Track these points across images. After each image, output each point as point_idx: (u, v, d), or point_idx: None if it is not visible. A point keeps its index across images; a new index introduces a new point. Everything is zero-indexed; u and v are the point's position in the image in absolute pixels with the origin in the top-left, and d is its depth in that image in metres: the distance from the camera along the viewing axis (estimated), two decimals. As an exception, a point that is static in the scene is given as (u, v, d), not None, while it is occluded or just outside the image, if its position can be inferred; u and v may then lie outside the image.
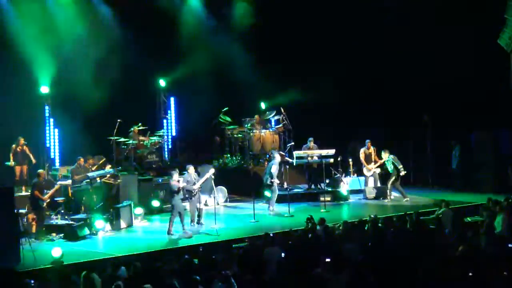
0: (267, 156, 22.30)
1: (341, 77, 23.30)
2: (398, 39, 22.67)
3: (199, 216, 17.89)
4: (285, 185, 21.62)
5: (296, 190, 21.78)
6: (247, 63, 23.37)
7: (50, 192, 17.53)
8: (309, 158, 21.34)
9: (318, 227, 14.87)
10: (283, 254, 12.82)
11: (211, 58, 23.66)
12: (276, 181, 19.26)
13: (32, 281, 12.33)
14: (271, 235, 14.17)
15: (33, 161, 20.28)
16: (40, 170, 18.38)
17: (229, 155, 23.37)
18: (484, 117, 22.00)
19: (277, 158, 19.64)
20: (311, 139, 21.74)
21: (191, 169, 17.98)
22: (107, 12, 22.82)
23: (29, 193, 17.78)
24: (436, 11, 22.67)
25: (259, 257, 12.83)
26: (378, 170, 21.49)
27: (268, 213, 19.13)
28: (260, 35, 23.67)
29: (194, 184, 17.63)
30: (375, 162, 21.42)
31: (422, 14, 22.65)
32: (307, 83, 23.52)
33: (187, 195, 17.60)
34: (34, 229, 17.01)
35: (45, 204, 17.18)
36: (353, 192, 21.48)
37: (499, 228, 14.70)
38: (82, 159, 19.17)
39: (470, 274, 11.11)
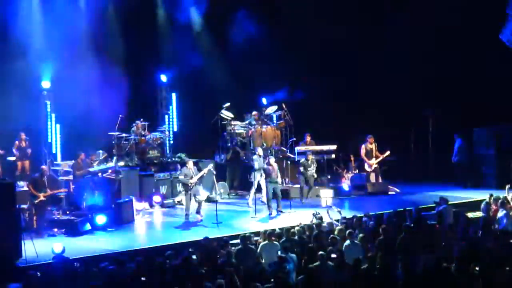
0: (268, 151, 22.24)
1: (342, 72, 23.25)
2: (401, 33, 22.68)
3: (198, 208, 18.06)
4: (286, 181, 21.61)
5: (297, 186, 21.67)
6: (250, 58, 23.31)
7: (49, 192, 17.42)
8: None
9: (323, 223, 14.92)
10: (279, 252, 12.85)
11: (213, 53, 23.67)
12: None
13: (38, 273, 12.37)
14: (270, 230, 14.17)
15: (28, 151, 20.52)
16: (43, 166, 18.40)
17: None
18: (486, 112, 21.96)
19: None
20: (307, 134, 21.76)
21: (189, 163, 18.39)
22: (108, 7, 22.77)
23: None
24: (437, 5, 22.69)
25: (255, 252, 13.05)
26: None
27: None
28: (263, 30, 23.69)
29: (192, 178, 17.95)
30: (376, 157, 21.40)
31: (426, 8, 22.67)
32: (308, 78, 23.49)
33: (183, 188, 18.33)
34: (35, 224, 17.01)
35: (36, 201, 17.03)
36: (355, 187, 21.44)
37: (502, 224, 14.70)
38: (83, 155, 19.12)
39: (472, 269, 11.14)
